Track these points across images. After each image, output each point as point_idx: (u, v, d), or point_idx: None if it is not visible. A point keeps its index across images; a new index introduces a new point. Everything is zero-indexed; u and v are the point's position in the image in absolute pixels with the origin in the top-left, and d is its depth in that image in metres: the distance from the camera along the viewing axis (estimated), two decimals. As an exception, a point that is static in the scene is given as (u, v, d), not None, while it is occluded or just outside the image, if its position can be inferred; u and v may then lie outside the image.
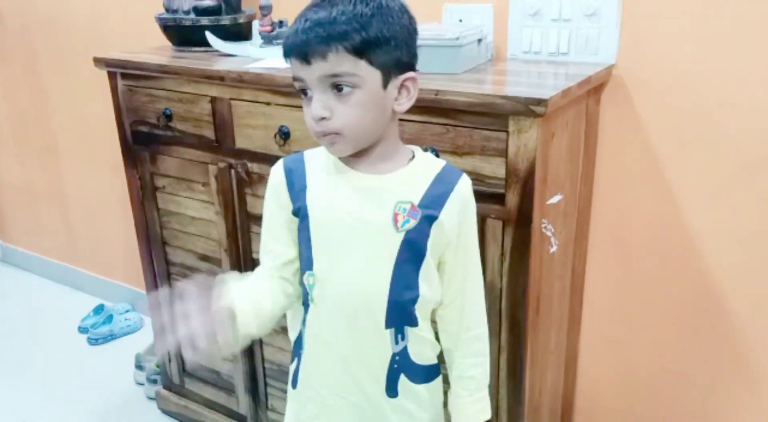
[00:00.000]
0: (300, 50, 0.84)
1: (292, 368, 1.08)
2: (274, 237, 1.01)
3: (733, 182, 1.30)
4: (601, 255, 1.49)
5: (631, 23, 1.31)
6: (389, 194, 0.94)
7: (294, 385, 1.07)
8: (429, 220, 0.94)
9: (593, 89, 1.32)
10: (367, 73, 0.85)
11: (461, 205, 0.96)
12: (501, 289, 1.20)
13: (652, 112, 1.34)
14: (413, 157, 0.97)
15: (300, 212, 0.98)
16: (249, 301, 0.94)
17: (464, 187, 0.97)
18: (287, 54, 0.88)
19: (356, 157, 0.94)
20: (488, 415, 1.06)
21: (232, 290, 0.92)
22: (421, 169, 0.96)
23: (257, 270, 1.03)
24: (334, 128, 0.87)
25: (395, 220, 0.93)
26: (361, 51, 0.84)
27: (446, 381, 1.08)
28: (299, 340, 1.05)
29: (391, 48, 0.86)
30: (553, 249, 1.26)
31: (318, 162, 0.99)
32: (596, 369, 1.59)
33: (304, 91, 0.89)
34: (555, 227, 1.24)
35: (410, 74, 0.90)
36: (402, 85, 0.90)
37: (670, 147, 1.35)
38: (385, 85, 0.88)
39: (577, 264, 1.45)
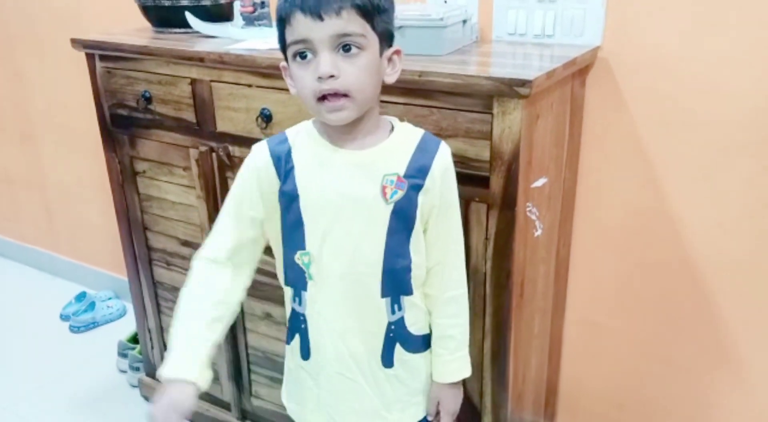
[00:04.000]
0: (313, 6, 0.85)
1: (296, 342, 1.07)
2: (237, 219, 1.02)
3: (718, 166, 1.30)
4: (586, 240, 1.48)
5: (616, 5, 1.30)
6: (376, 168, 0.96)
7: (306, 357, 1.07)
8: (416, 189, 0.97)
9: (578, 71, 1.31)
10: (371, 37, 0.89)
11: (442, 172, 0.99)
12: (485, 273, 1.19)
13: (638, 95, 1.33)
14: (392, 128, 1.00)
15: (287, 194, 0.98)
16: (201, 357, 0.96)
17: (444, 153, 1.00)
18: (291, 12, 0.87)
19: (344, 131, 0.95)
20: (467, 373, 1.10)
21: (177, 367, 0.95)
22: (403, 139, 0.99)
23: (205, 263, 1.02)
24: (341, 87, 0.88)
25: (384, 193, 0.96)
26: (368, 13, 0.87)
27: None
28: (295, 317, 1.06)
29: (387, 17, 0.91)
30: (538, 233, 1.25)
31: (302, 140, 1.00)
32: (580, 354, 1.59)
33: (302, 55, 0.89)
34: (539, 211, 1.23)
35: (397, 47, 0.95)
36: (390, 58, 0.94)
37: (655, 130, 1.34)
38: (381, 53, 0.92)
39: (561, 248, 1.45)
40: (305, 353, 1.06)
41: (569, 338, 1.59)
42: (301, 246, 0.99)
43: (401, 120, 1.03)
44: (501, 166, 1.11)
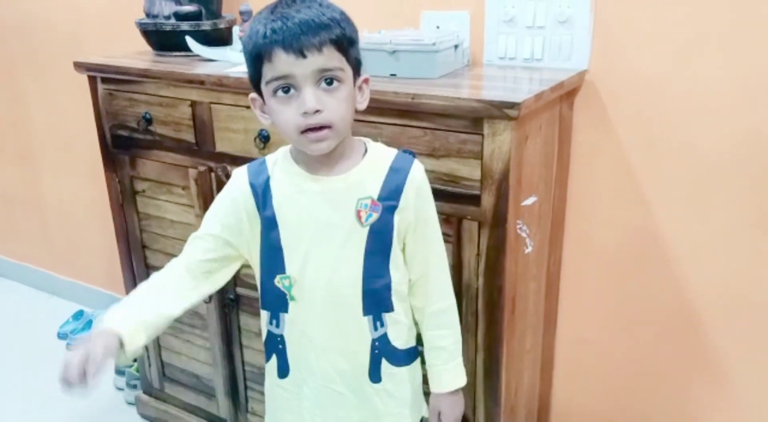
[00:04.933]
0: (296, 44, 0.87)
1: (273, 362, 1.10)
2: (215, 228, 1.03)
3: (703, 186, 1.34)
4: (576, 257, 1.52)
5: (602, 30, 1.35)
6: (350, 192, 0.99)
7: (284, 375, 1.09)
8: (390, 211, 1.00)
9: (566, 94, 1.35)
10: (347, 70, 0.93)
11: (416, 189, 1.02)
12: (477, 289, 1.22)
13: (624, 117, 1.37)
14: (366, 150, 1.02)
15: (267, 221, 1.01)
16: (138, 318, 0.96)
17: (417, 172, 1.02)
18: (271, 49, 0.88)
19: (320, 159, 0.98)
20: (462, 382, 1.12)
21: (112, 319, 0.95)
22: (376, 161, 1.02)
23: (173, 265, 1.03)
24: (327, 120, 0.91)
25: (359, 217, 0.99)
26: (344, 47, 0.91)
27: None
28: (271, 339, 1.09)
29: (357, 48, 0.95)
30: (529, 249, 1.28)
31: (280, 169, 1.02)
32: (571, 369, 1.61)
33: (285, 89, 0.91)
34: (530, 228, 1.27)
35: (366, 76, 0.98)
36: (360, 87, 0.97)
37: (641, 151, 1.38)
38: (354, 82, 0.95)
39: (552, 265, 1.48)
40: (282, 372, 1.09)
41: (561, 354, 1.61)
42: (281, 270, 1.02)
43: (375, 140, 1.06)
44: (491, 184, 1.14)
